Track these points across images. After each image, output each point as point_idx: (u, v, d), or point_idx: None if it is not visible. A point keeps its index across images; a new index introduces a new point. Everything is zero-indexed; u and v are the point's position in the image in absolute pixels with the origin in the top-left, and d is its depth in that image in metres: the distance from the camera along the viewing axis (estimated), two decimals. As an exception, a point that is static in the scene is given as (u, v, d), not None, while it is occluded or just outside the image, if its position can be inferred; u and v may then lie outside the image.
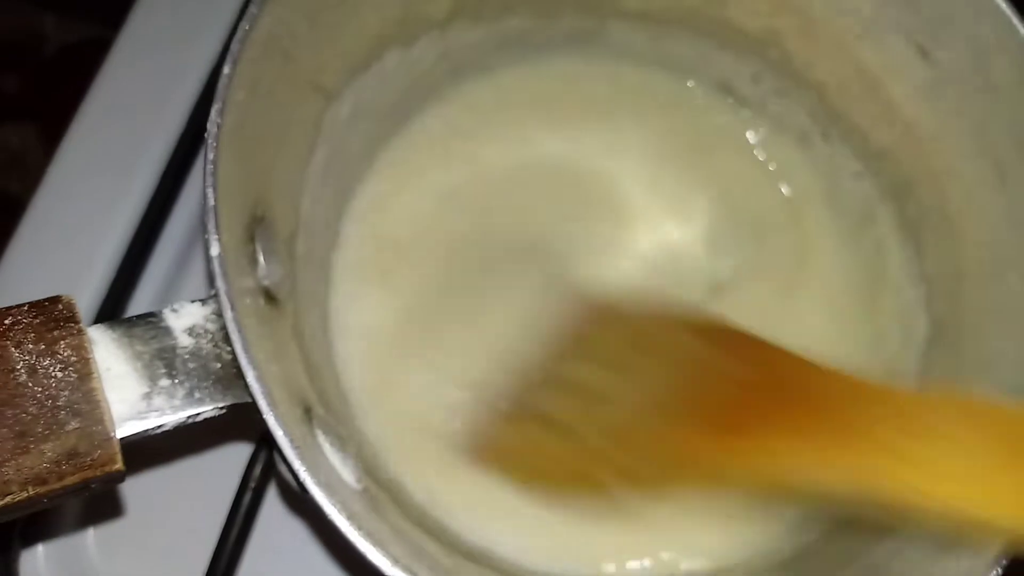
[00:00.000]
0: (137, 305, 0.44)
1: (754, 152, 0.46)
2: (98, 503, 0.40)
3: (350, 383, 0.40)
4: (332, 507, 0.27)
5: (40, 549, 0.40)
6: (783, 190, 0.46)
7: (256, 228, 0.33)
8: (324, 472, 0.29)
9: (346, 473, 0.31)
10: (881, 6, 0.38)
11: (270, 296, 0.33)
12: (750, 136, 0.46)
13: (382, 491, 0.35)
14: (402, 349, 0.40)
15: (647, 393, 0.37)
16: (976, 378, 0.37)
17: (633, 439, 0.36)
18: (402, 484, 0.38)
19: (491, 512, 0.39)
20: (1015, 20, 0.36)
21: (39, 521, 0.40)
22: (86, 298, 0.43)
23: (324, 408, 0.34)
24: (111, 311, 0.42)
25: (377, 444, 0.39)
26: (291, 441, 0.27)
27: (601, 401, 0.38)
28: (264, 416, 0.27)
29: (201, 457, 0.40)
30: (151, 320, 0.29)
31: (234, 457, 0.40)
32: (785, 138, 0.46)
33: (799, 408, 0.33)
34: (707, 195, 0.45)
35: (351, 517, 0.27)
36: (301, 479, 0.27)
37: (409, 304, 0.41)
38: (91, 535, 0.40)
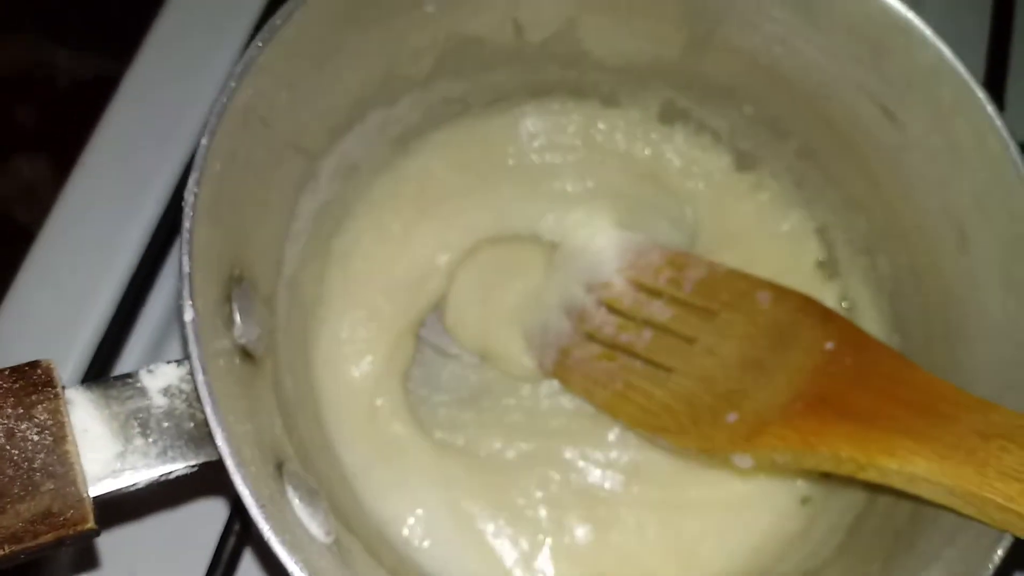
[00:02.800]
0: (127, 362, 0.45)
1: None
2: (75, 557, 0.41)
3: (333, 429, 0.41)
4: (294, 564, 0.28)
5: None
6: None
7: (233, 288, 0.34)
8: (290, 529, 0.30)
9: (315, 527, 0.32)
10: (846, 68, 0.39)
11: (247, 354, 0.34)
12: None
13: (356, 539, 0.36)
14: (386, 393, 0.42)
15: (738, 346, 0.38)
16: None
17: (733, 391, 0.37)
18: (382, 527, 0.39)
19: (476, 555, 0.40)
20: (973, 84, 0.37)
21: (15, 574, 0.41)
22: (75, 355, 0.44)
23: (300, 459, 0.36)
24: (100, 368, 0.44)
25: (357, 485, 0.40)
26: (256, 500, 0.29)
27: (685, 342, 0.39)
28: (231, 476, 0.29)
29: (179, 511, 0.41)
30: (128, 381, 0.31)
31: (212, 512, 0.41)
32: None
33: (888, 402, 0.33)
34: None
35: (314, 573, 0.29)
36: (265, 537, 0.28)
37: (390, 348, 0.42)
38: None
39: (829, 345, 0.37)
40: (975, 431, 0.31)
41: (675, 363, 0.39)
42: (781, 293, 0.40)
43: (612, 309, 0.42)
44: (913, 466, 0.31)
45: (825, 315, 0.39)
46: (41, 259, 0.48)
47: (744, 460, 0.35)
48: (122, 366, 0.45)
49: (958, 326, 0.39)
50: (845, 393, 0.34)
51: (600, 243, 0.44)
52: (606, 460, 0.41)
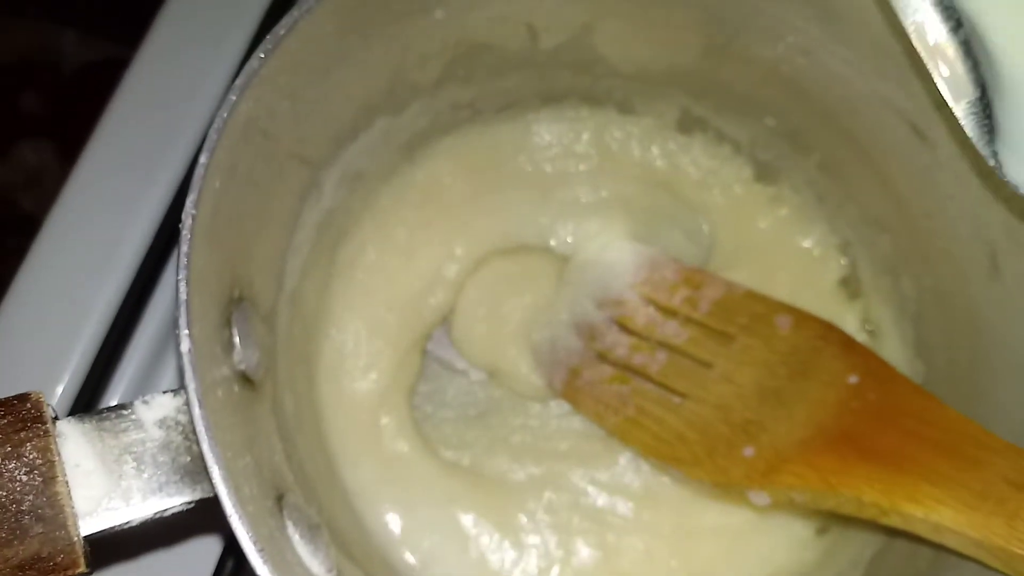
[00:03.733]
0: (117, 388, 0.44)
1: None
2: None
3: (336, 447, 0.40)
4: (294, 609, 0.27)
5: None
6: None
7: (233, 311, 0.33)
8: (290, 569, 0.29)
9: (316, 565, 0.31)
10: (872, 84, 0.38)
11: (246, 379, 0.33)
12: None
13: (358, 569, 0.35)
14: (391, 410, 0.41)
15: (749, 372, 0.37)
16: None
17: (749, 421, 0.36)
18: (385, 550, 0.38)
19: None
20: (1010, 106, 0.35)
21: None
22: (65, 384, 0.43)
23: (300, 487, 0.35)
24: (89, 396, 0.42)
25: (359, 505, 0.39)
26: (255, 542, 0.27)
27: (701, 366, 0.38)
28: (229, 517, 0.27)
29: (173, 548, 0.40)
30: (123, 413, 0.29)
31: (205, 548, 0.40)
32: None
33: (913, 441, 0.32)
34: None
35: (314, 616, 0.28)
36: (264, 581, 0.27)
37: (398, 365, 0.41)
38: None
39: (852, 378, 0.35)
40: (1004, 479, 0.30)
41: (689, 389, 0.38)
42: (802, 318, 0.38)
43: (625, 328, 0.41)
44: (939, 515, 0.29)
45: (848, 344, 0.37)
46: (42, 260, 0.47)
47: (760, 497, 0.34)
48: (119, 379, 0.44)
49: (984, 356, 0.37)
50: (868, 431, 0.33)
51: (613, 256, 0.43)
52: (616, 485, 0.40)
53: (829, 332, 0.37)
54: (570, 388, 0.40)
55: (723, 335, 0.38)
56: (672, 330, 0.39)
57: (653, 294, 0.41)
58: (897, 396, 0.34)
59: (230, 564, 0.39)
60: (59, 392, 0.43)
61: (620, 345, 0.40)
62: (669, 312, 0.40)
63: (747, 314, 0.39)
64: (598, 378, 0.39)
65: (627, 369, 0.39)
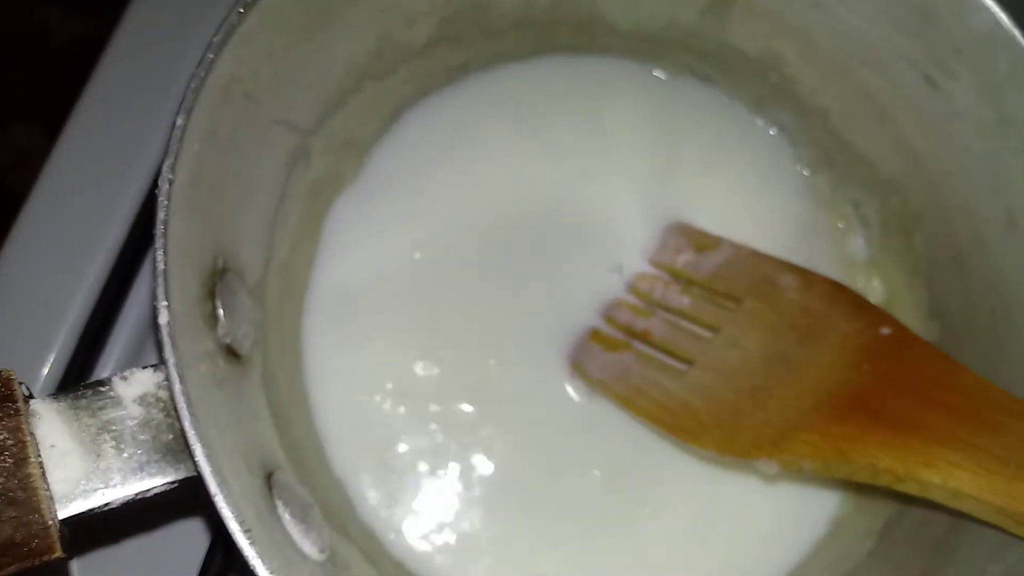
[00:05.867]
0: (105, 367, 0.42)
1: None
2: None
3: (325, 424, 0.38)
4: (284, 593, 0.26)
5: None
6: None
7: (217, 282, 0.31)
8: (280, 550, 0.28)
9: (307, 545, 0.30)
10: (887, 33, 0.36)
11: (232, 353, 0.31)
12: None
13: (353, 546, 0.34)
14: (379, 387, 0.39)
15: (757, 337, 0.36)
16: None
17: (756, 388, 0.34)
18: (373, 532, 0.37)
19: (472, 558, 0.38)
20: (1032, 53, 0.33)
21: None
22: (51, 363, 0.42)
23: (292, 464, 0.33)
24: (77, 376, 0.41)
25: (350, 488, 0.38)
26: (240, 522, 0.26)
27: (708, 331, 0.37)
28: (213, 496, 0.26)
29: (161, 530, 0.39)
30: (100, 390, 0.28)
31: (197, 529, 0.38)
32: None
33: (929, 405, 0.30)
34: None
35: (306, 600, 0.26)
36: (251, 564, 0.26)
37: (386, 342, 0.39)
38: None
39: (862, 338, 0.34)
40: (1019, 439, 0.28)
41: (695, 355, 0.36)
42: (810, 279, 0.37)
43: (630, 292, 0.39)
44: (957, 481, 0.28)
45: (859, 304, 0.35)
46: (26, 237, 0.45)
47: (770, 466, 0.32)
48: (107, 357, 0.42)
49: (1005, 314, 0.36)
50: (882, 395, 0.31)
51: (625, 225, 0.41)
52: (627, 458, 0.38)
53: (839, 292, 0.36)
54: (576, 358, 0.39)
55: (729, 298, 0.37)
56: (675, 293, 0.38)
57: (659, 258, 0.39)
58: (912, 358, 0.32)
59: (222, 545, 0.37)
60: (45, 372, 0.42)
61: (623, 309, 0.38)
62: (674, 275, 0.39)
63: (753, 276, 0.37)
64: (601, 344, 0.38)
65: (632, 335, 0.38)
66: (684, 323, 0.37)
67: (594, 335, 0.39)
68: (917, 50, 0.35)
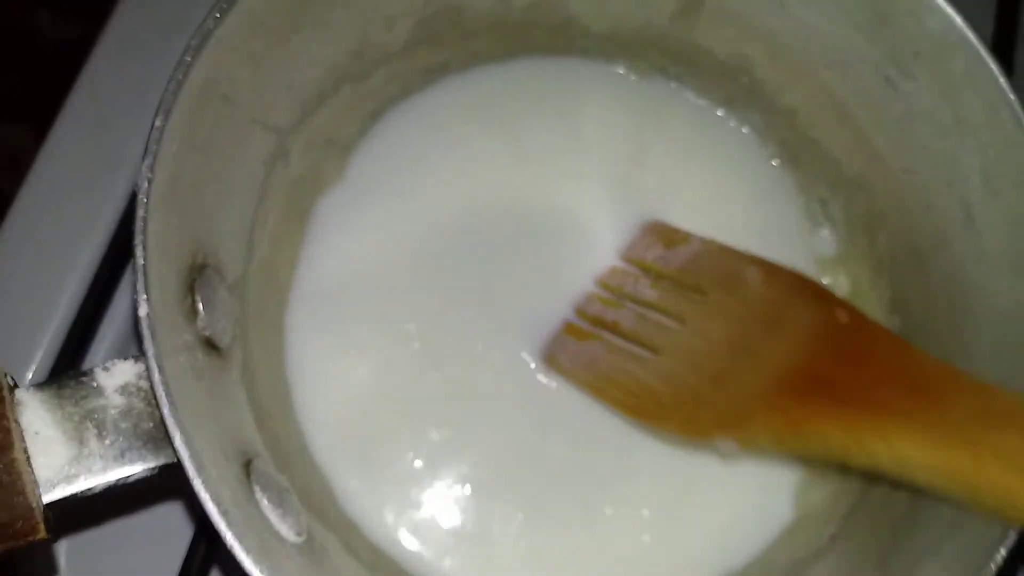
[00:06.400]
0: (94, 361, 0.43)
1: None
2: (32, 564, 0.39)
3: (306, 417, 0.39)
4: (259, 572, 0.27)
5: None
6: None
7: (196, 278, 0.32)
8: (257, 532, 0.29)
9: (284, 529, 0.31)
10: (848, 35, 0.37)
11: (212, 345, 0.32)
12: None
13: (332, 534, 0.35)
14: (360, 383, 0.40)
15: (727, 327, 0.37)
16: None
17: (719, 373, 0.36)
18: (353, 520, 0.38)
19: (449, 547, 0.38)
20: (985, 55, 0.34)
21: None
22: (40, 357, 0.43)
23: (272, 454, 0.34)
24: (66, 370, 0.42)
25: (331, 478, 0.38)
26: (218, 505, 0.27)
27: (676, 322, 0.38)
28: (191, 480, 0.27)
29: (147, 515, 0.40)
30: (82, 380, 0.29)
31: (183, 516, 0.39)
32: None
33: (882, 384, 0.32)
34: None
35: (282, 580, 0.27)
36: (228, 544, 0.27)
37: (367, 337, 0.40)
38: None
39: (821, 325, 0.35)
40: (974, 415, 0.29)
41: (661, 344, 0.37)
42: (773, 270, 0.38)
43: (599, 285, 0.40)
44: (905, 451, 0.29)
45: (818, 294, 0.37)
46: (14, 234, 0.46)
47: (728, 445, 0.34)
48: (95, 351, 0.43)
49: (963, 308, 0.37)
50: (837, 376, 0.33)
51: (600, 224, 0.42)
52: (597, 449, 0.39)
53: (799, 282, 0.37)
54: (550, 350, 0.40)
55: (696, 290, 0.38)
56: (645, 286, 0.39)
57: (630, 253, 0.41)
58: (868, 341, 0.34)
59: (205, 535, 0.38)
60: (33, 366, 0.43)
61: (593, 302, 0.40)
62: (644, 269, 0.40)
63: (720, 269, 0.38)
64: (573, 335, 0.39)
65: (601, 326, 0.39)
66: (652, 314, 0.39)
67: (567, 328, 0.40)
68: (877, 52, 0.37)
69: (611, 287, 0.40)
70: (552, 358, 0.39)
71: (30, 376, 0.43)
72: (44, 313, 0.44)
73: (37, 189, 0.47)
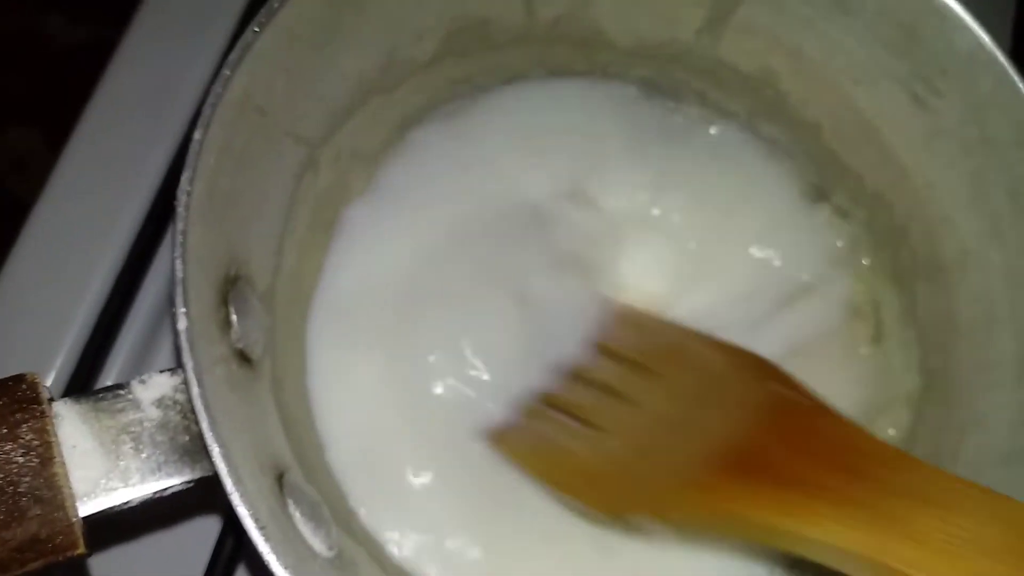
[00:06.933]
0: (112, 370, 0.43)
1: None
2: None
3: (325, 428, 0.39)
4: (297, 586, 0.27)
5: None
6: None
7: (230, 290, 0.32)
8: (292, 547, 0.29)
9: (317, 543, 0.31)
10: (875, 52, 0.37)
11: (244, 357, 0.33)
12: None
13: (361, 547, 0.35)
14: (378, 395, 0.40)
15: (674, 406, 0.36)
16: (966, 437, 0.37)
17: (653, 450, 0.35)
18: (375, 539, 0.38)
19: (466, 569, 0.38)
20: (1013, 74, 0.34)
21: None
22: (59, 366, 0.43)
23: (301, 467, 0.34)
24: (85, 379, 0.42)
25: (348, 492, 0.38)
26: (256, 520, 0.27)
27: (626, 403, 0.37)
28: (229, 495, 0.27)
29: (172, 530, 0.40)
30: (119, 393, 0.29)
31: (206, 529, 0.39)
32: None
33: (813, 461, 0.31)
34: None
35: (317, 594, 0.27)
36: (265, 560, 0.27)
37: (386, 349, 0.40)
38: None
39: (765, 403, 0.34)
40: (890, 491, 0.29)
41: (606, 421, 0.37)
42: (718, 348, 0.37)
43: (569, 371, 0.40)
44: (829, 534, 0.29)
45: (760, 370, 0.36)
46: (34, 241, 0.46)
47: (652, 524, 0.33)
48: (114, 360, 0.43)
49: (988, 323, 0.37)
50: (765, 453, 0.32)
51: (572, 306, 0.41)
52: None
53: (743, 359, 0.37)
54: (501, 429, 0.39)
55: (650, 370, 0.37)
56: (606, 368, 0.38)
57: (595, 336, 0.40)
58: (803, 417, 0.33)
59: (229, 543, 0.38)
60: (53, 374, 0.43)
61: (555, 383, 0.39)
62: (609, 353, 0.39)
63: (665, 345, 0.38)
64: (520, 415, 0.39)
65: (553, 405, 0.38)
66: (604, 395, 0.38)
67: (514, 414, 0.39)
68: (904, 69, 0.37)
69: (576, 370, 0.40)
70: (498, 441, 0.39)
71: (49, 384, 0.43)
72: (63, 322, 0.44)
73: (56, 194, 0.47)
